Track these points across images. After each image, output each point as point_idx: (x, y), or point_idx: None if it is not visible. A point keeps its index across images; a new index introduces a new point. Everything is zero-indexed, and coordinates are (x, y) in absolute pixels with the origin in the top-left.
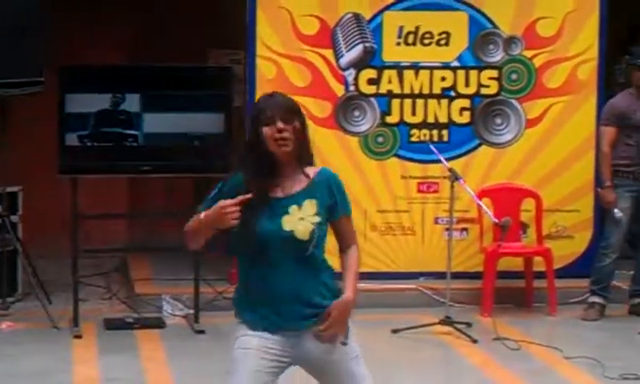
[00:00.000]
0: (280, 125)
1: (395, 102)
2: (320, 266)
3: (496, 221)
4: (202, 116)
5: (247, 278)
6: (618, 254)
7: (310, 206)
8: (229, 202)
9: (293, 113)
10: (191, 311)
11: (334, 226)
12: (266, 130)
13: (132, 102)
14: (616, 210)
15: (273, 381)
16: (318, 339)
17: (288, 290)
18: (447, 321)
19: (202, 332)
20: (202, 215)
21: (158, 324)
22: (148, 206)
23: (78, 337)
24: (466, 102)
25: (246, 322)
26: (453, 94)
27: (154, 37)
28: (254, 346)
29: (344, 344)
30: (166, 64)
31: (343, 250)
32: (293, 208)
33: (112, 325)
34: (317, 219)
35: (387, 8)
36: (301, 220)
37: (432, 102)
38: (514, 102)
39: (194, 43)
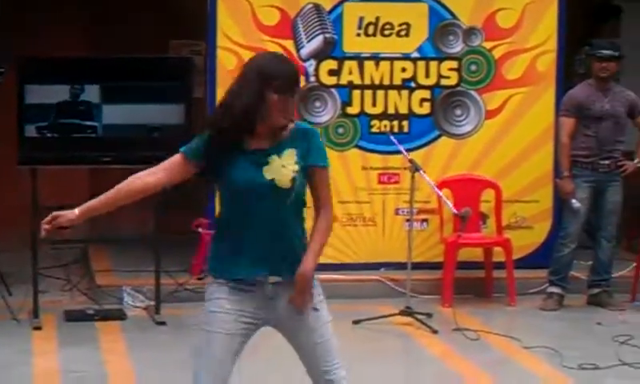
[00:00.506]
0: (291, 99)
1: (356, 93)
2: (297, 219)
3: (456, 211)
4: (161, 107)
5: (227, 227)
6: (576, 244)
7: (290, 155)
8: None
9: (299, 85)
10: (152, 303)
11: (307, 177)
12: (274, 98)
13: (91, 94)
14: (574, 200)
15: (245, 341)
16: (291, 305)
17: (265, 240)
18: (408, 311)
19: (162, 323)
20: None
21: (119, 316)
22: None
23: (38, 328)
24: (426, 93)
25: (221, 275)
26: (413, 85)
27: (114, 28)
28: (228, 309)
29: (315, 310)
30: (126, 55)
31: (317, 210)
32: (273, 157)
33: (72, 316)
34: (297, 167)
35: None
36: (282, 168)
37: (392, 93)
38: (473, 93)
39: (154, 34)
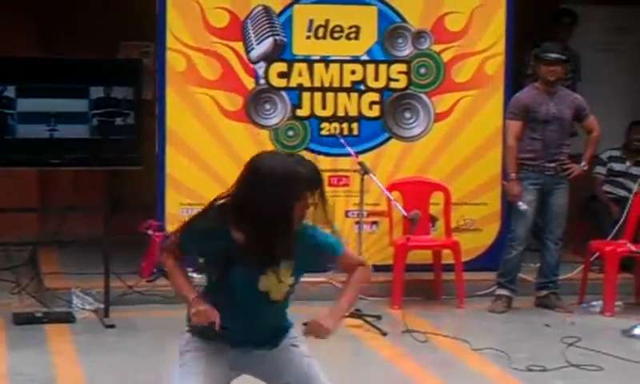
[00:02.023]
0: (308, 202)
1: (306, 96)
2: (284, 307)
3: (405, 214)
4: (111, 109)
5: (213, 303)
6: (524, 246)
7: (286, 270)
8: (209, 311)
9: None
10: (101, 305)
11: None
12: (297, 207)
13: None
14: (520, 203)
15: None
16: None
17: (250, 328)
18: (357, 313)
19: (112, 326)
20: (184, 290)
21: (68, 318)
22: (58, 199)
23: None
24: (376, 96)
25: (203, 335)
26: (362, 87)
27: (62, 28)
28: (206, 351)
29: (294, 346)
30: (76, 57)
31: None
32: (270, 271)
33: (21, 319)
34: (291, 281)
35: (297, 1)
36: (278, 283)
37: (342, 96)
38: (422, 96)
39: (103, 35)
